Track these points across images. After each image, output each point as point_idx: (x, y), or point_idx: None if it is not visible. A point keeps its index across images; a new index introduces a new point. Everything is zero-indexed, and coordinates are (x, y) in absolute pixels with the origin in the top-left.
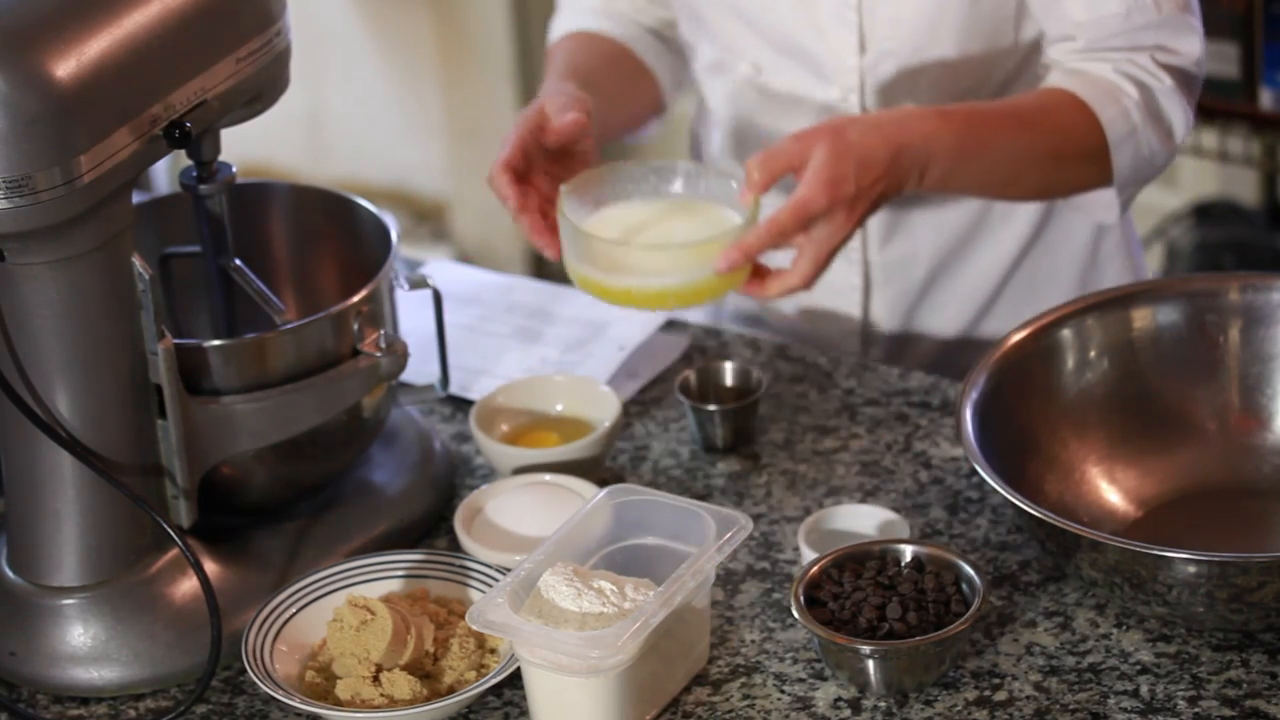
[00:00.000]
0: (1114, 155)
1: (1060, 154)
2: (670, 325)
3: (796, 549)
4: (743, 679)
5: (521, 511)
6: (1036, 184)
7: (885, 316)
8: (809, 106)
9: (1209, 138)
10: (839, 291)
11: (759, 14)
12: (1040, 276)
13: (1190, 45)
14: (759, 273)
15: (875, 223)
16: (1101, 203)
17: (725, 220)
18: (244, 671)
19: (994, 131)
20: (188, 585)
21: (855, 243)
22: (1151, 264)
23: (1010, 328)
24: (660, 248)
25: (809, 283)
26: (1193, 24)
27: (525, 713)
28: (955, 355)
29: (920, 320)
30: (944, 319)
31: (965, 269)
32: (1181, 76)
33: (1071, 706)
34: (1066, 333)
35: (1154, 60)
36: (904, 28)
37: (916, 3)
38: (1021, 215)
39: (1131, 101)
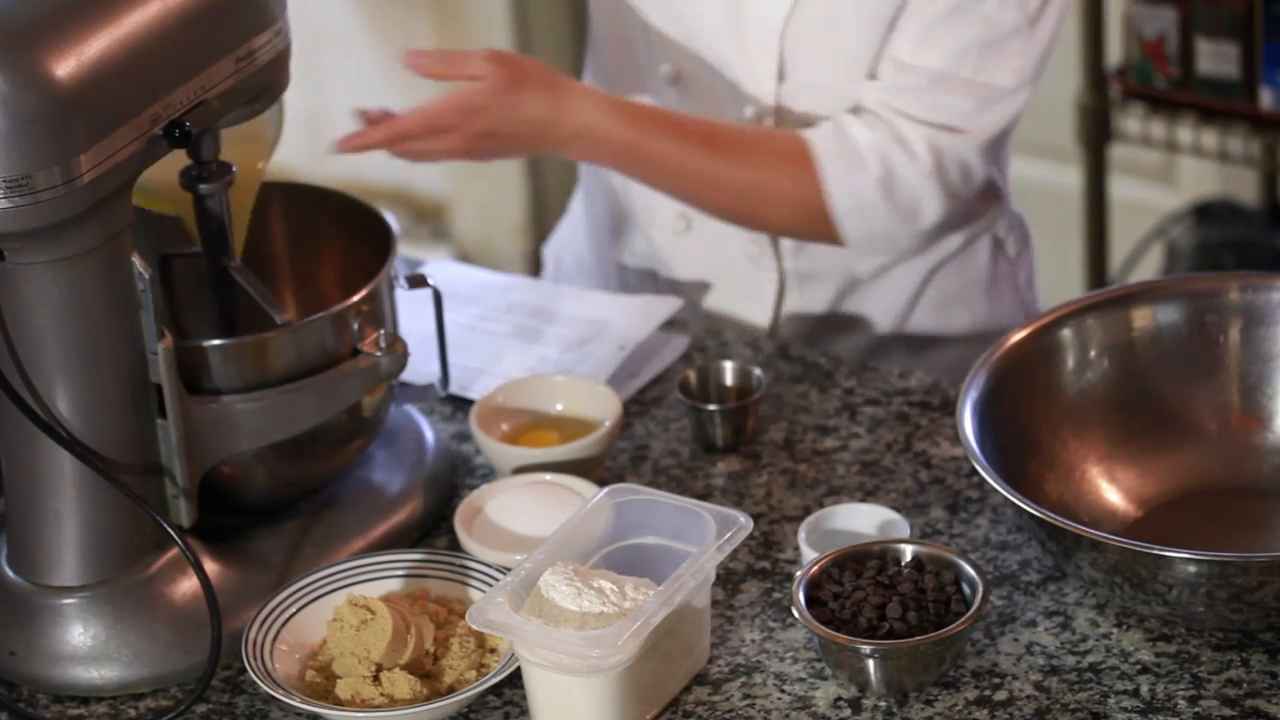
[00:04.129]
0: (839, 223)
1: (758, 197)
2: (670, 325)
3: (796, 548)
4: (743, 678)
5: (522, 511)
6: (732, 213)
7: (796, 324)
8: (725, 118)
9: (1209, 138)
10: (753, 295)
11: (688, 21)
12: (950, 294)
13: (981, 123)
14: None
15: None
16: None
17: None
18: (244, 671)
19: (675, 145)
20: (188, 585)
21: (769, 252)
22: (1151, 264)
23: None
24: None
25: (391, 141)
26: (1000, 106)
27: (525, 712)
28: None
29: (833, 331)
30: (854, 333)
31: (873, 291)
32: (954, 162)
33: (1072, 706)
34: (1067, 332)
35: (929, 142)
36: (831, 61)
37: (844, 40)
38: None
39: (869, 179)
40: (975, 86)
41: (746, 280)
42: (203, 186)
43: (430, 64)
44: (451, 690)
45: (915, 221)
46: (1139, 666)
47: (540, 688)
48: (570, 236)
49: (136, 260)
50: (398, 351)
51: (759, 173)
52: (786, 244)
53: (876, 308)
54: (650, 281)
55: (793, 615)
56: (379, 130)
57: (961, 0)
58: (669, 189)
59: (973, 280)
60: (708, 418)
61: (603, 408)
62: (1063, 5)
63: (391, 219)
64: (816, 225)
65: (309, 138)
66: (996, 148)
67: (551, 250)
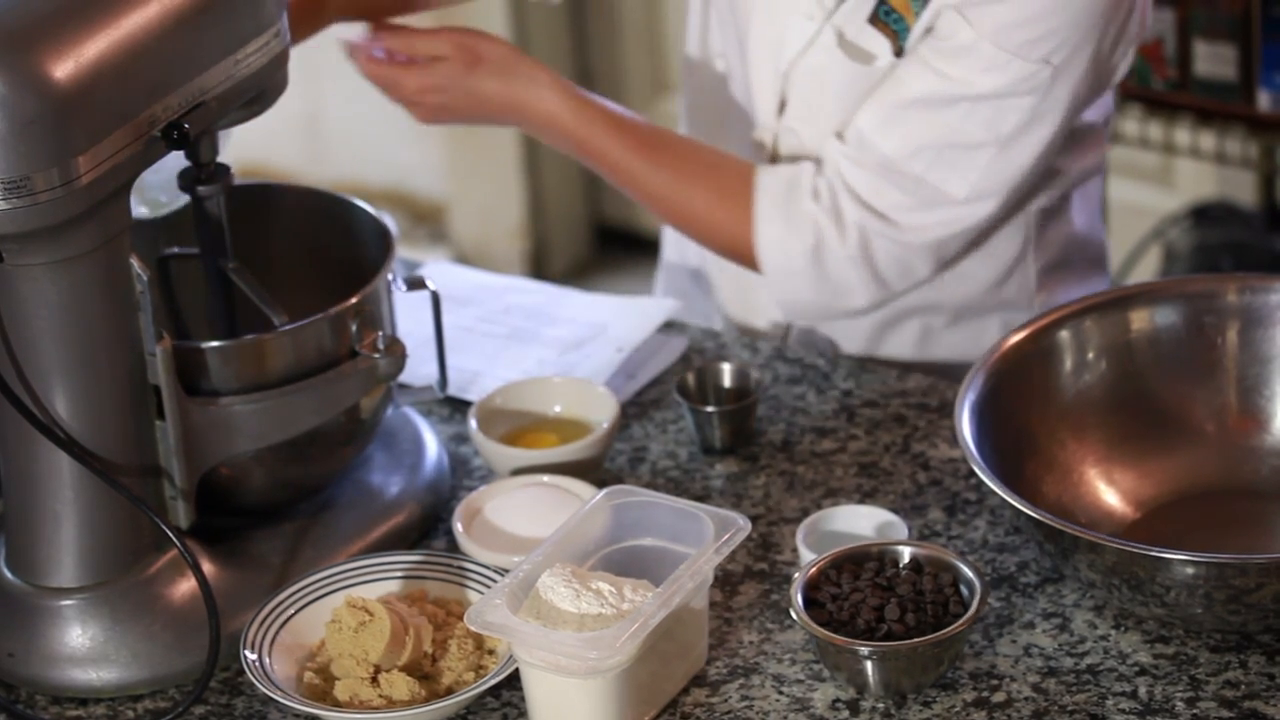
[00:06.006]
0: (767, 283)
1: (692, 219)
2: (669, 327)
3: (795, 550)
4: (741, 680)
5: (520, 512)
6: (673, 226)
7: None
8: (747, 127)
9: (1207, 139)
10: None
11: (740, 26)
12: (954, 351)
13: (920, 224)
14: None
15: None
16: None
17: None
18: (242, 672)
19: (620, 151)
20: (186, 586)
21: None
22: (1149, 266)
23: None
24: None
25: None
26: (943, 213)
27: (524, 714)
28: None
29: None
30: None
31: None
32: (888, 254)
33: (1070, 708)
34: (1065, 334)
35: (860, 226)
36: (815, 114)
37: (828, 103)
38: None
39: (801, 246)
40: (922, 185)
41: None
42: (201, 188)
43: (391, 41)
44: (450, 692)
45: (842, 301)
46: (1137, 668)
47: (538, 689)
48: None
49: (135, 262)
50: (396, 353)
51: (695, 197)
52: None
53: (888, 349)
54: (696, 259)
55: (791, 617)
56: (361, 59)
57: (927, 96)
58: (615, 186)
59: (975, 347)
60: (706, 419)
61: (601, 409)
62: (1050, 137)
63: (389, 221)
64: (748, 263)
65: (307, 140)
66: (947, 251)
67: None
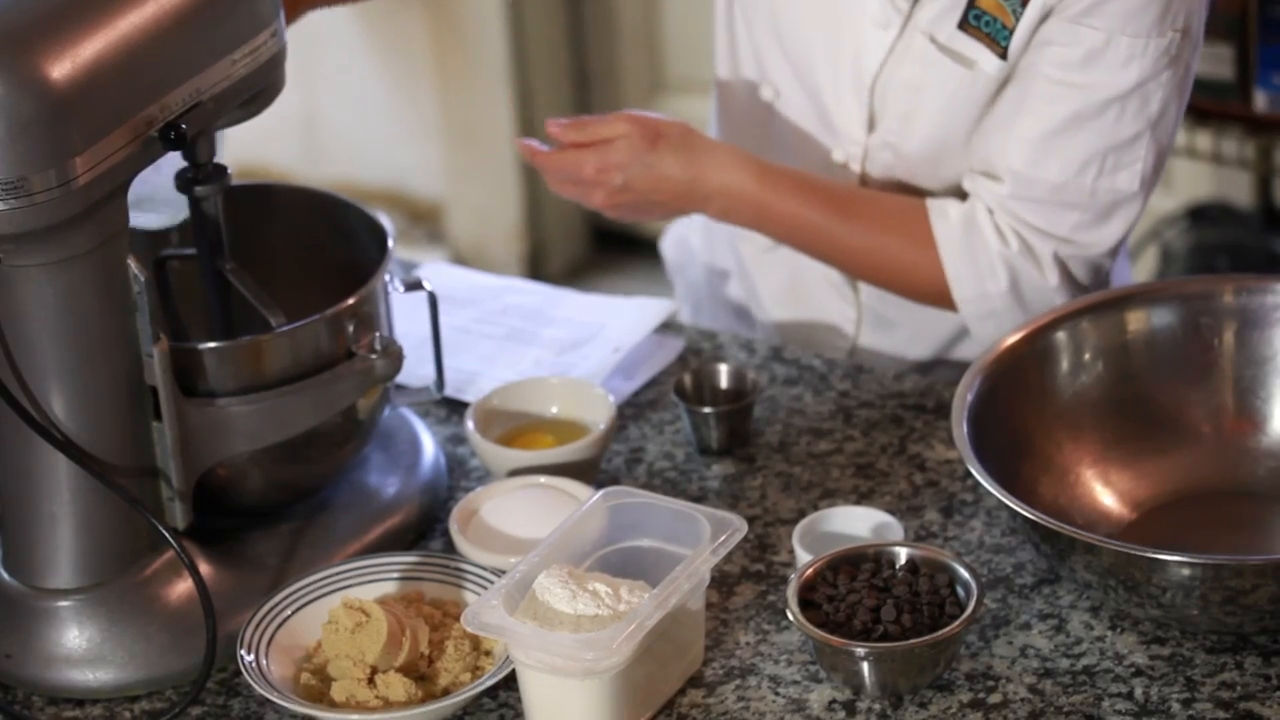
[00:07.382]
0: (971, 327)
1: (888, 267)
2: (665, 328)
3: (791, 551)
4: (737, 681)
5: (517, 514)
6: (865, 278)
7: (874, 360)
8: (814, 152)
9: (1203, 140)
10: (833, 325)
11: (793, 47)
12: None
13: (1105, 234)
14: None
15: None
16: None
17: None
18: (239, 673)
19: (808, 209)
20: (183, 587)
21: (849, 283)
22: (1146, 266)
23: None
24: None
25: (541, 170)
26: (1122, 212)
27: (520, 715)
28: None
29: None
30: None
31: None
32: (1081, 267)
33: (1066, 709)
34: (1061, 335)
35: (1055, 255)
36: (914, 131)
37: (925, 114)
38: None
39: (998, 288)
40: (1096, 196)
41: (827, 308)
42: (198, 189)
43: (567, 132)
44: (446, 693)
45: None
46: (1133, 669)
47: (535, 690)
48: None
49: (132, 263)
50: (393, 354)
51: (888, 245)
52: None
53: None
54: (738, 289)
55: (787, 618)
56: (536, 155)
57: (1075, 114)
58: (801, 249)
59: None
60: (703, 420)
61: (598, 410)
62: (1187, 97)
63: (387, 221)
64: (946, 306)
65: (305, 140)
66: (1126, 239)
67: (672, 238)
